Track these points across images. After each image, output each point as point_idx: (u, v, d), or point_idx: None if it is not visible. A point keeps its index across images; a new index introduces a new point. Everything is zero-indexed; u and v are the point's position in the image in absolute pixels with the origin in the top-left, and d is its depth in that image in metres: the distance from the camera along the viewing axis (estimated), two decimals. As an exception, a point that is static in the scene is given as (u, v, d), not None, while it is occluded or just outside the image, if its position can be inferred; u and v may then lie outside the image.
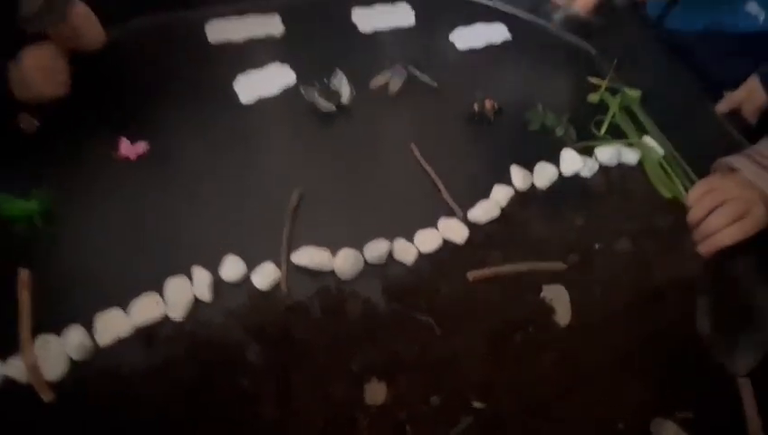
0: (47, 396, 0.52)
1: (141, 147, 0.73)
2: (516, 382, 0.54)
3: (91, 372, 0.54)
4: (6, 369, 0.53)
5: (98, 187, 0.69)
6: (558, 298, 0.60)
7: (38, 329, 0.55)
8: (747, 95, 0.73)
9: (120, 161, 0.72)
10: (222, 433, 0.51)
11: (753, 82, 0.73)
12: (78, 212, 0.66)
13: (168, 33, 0.91)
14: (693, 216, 0.59)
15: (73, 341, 0.55)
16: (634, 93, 0.82)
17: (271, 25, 0.94)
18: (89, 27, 0.78)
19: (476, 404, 0.52)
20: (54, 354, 0.54)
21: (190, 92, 0.82)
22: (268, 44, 0.91)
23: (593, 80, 0.86)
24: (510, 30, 0.95)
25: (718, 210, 0.57)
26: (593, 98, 0.83)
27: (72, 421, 0.51)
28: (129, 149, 0.73)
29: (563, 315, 0.59)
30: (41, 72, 0.71)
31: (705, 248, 0.57)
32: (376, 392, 0.53)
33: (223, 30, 0.93)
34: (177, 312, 0.58)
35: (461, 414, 0.52)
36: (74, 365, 0.54)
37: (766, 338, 0.54)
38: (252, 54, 0.89)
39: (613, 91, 0.83)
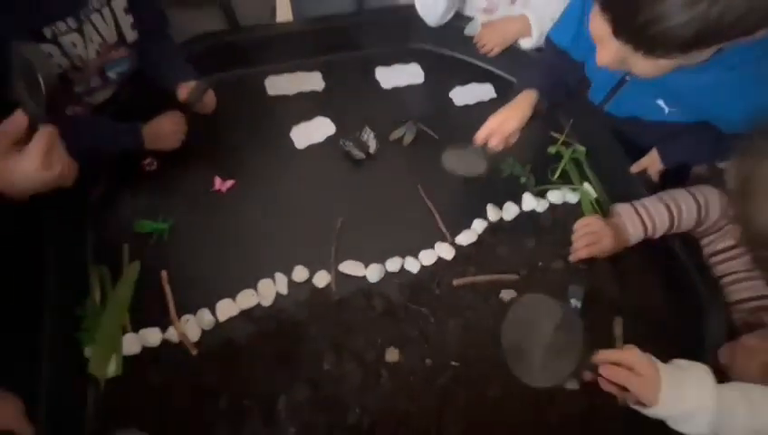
0: (193, 351, 0.85)
1: (229, 183, 1.05)
2: (482, 348, 0.86)
3: (218, 337, 0.87)
4: (166, 335, 0.86)
5: (202, 212, 1.01)
6: (509, 297, 0.92)
7: (180, 311, 0.88)
8: (651, 161, 1.03)
9: (216, 193, 1.04)
10: (299, 378, 0.83)
11: (654, 153, 1.03)
12: (191, 230, 0.98)
13: (235, 87, 1.21)
14: (576, 234, 0.94)
15: (203, 318, 0.88)
16: (581, 149, 1.13)
17: (314, 81, 1.24)
18: (210, 102, 1.08)
19: (454, 363, 0.85)
20: (192, 326, 0.87)
21: (259, 138, 1.12)
22: (313, 98, 1.22)
23: (554, 134, 1.16)
24: (496, 90, 1.25)
25: (580, 236, 0.93)
26: (551, 150, 1.14)
27: (208, 366, 0.84)
28: (221, 184, 1.05)
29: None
30: (172, 132, 1.02)
31: (571, 258, 0.94)
32: (392, 356, 0.85)
33: (278, 85, 1.23)
34: (266, 301, 0.90)
35: (444, 370, 0.85)
36: (205, 333, 0.87)
37: (561, 371, 0.70)
38: (301, 106, 1.19)
39: (567, 145, 1.14)
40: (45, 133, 0.62)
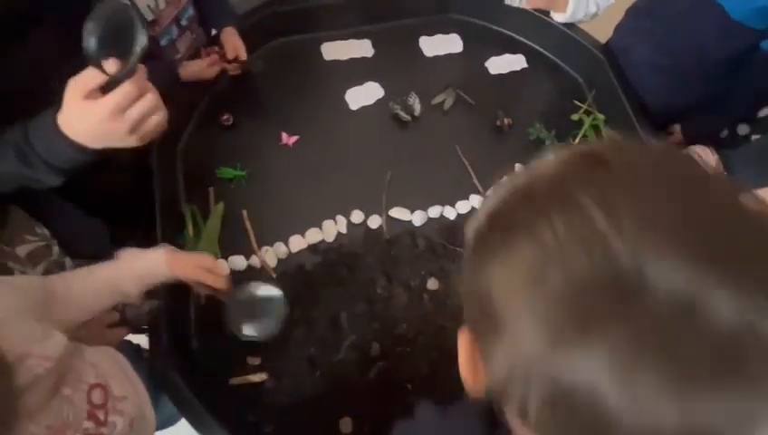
0: (272, 274, 1.05)
1: (294, 138, 1.23)
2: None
3: (291, 264, 1.07)
4: (250, 261, 1.06)
5: (273, 162, 1.19)
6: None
7: (260, 243, 1.08)
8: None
9: (283, 147, 1.22)
10: (356, 297, 1.04)
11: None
12: (265, 177, 1.17)
13: (295, 52, 1.37)
14: None
15: (279, 249, 1.08)
16: (600, 117, 1.28)
17: (364, 48, 1.40)
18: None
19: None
20: (270, 255, 1.07)
21: (318, 99, 1.29)
22: (363, 63, 1.37)
23: (577, 102, 1.31)
24: (527, 60, 1.39)
25: None
26: (574, 117, 1.29)
27: (284, 286, 1.04)
28: (287, 138, 1.23)
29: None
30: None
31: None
32: (433, 284, 1.05)
33: (333, 51, 1.39)
34: (329, 237, 1.10)
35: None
36: (280, 261, 1.07)
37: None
38: (353, 71, 1.35)
39: (588, 113, 1.29)
40: (123, 90, 0.62)
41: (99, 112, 0.62)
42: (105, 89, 0.62)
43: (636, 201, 0.29)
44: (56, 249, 0.91)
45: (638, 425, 0.27)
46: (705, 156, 1.07)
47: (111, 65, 0.60)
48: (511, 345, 0.31)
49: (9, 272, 0.77)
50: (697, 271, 0.27)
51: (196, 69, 1.18)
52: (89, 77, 0.61)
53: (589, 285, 0.28)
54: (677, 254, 0.27)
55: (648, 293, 0.27)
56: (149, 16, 1.11)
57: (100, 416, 0.64)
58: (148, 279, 0.79)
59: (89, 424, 0.62)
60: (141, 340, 1.01)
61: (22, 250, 0.83)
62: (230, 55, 1.21)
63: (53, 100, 0.65)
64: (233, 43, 1.21)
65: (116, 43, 0.60)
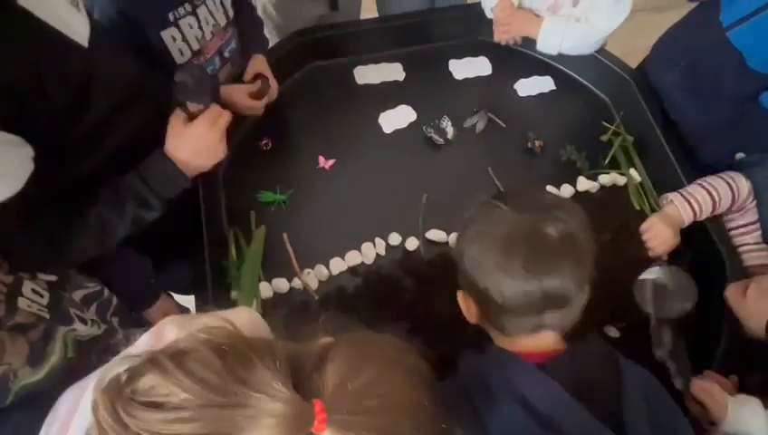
0: (315, 296, 1.09)
1: (331, 161, 1.27)
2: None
3: (332, 286, 1.10)
4: (293, 284, 1.10)
5: (311, 185, 1.23)
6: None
7: (301, 266, 1.12)
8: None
9: (321, 170, 1.26)
10: (397, 318, 1.07)
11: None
12: (304, 201, 1.21)
13: (330, 75, 1.42)
14: (644, 237, 1.12)
15: (320, 271, 1.11)
16: (629, 138, 1.30)
17: (396, 72, 1.44)
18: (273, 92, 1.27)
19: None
20: (312, 278, 1.11)
21: (352, 122, 1.33)
22: (395, 86, 1.41)
23: (606, 124, 1.34)
24: (555, 82, 1.42)
25: (650, 238, 1.11)
26: (604, 138, 1.32)
27: (325, 308, 1.08)
28: (324, 162, 1.27)
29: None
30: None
31: (651, 254, 1.11)
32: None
33: (365, 74, 1.43)
34: (368, 260, 1.13)
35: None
36: (321, 283, 1.11)
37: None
38: (385, 94, 1.39)
39: (616, 134, 1.32)
40: (214, 108, 0.92)
41: (199, 126, 0.90)
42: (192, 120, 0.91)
43: None
44: (106, 290, 0.96)
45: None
46: (739, 182, 1.10)
47: (195, 106, 0.91)
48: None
49: (68, 315, 0.82)
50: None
51: (232, 92, 1.20)
52: (183, 112, 0.91)
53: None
54: None
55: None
56: (196, 46, 1.15)
57: None
58: None
59: None
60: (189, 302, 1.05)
61: (77, 295, 0.88)
62: (247, 77, 1.23)
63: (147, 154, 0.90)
64: (257, 66, 1.24)
65: (196, 87, 0.90)
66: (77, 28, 0.80)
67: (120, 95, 0.89)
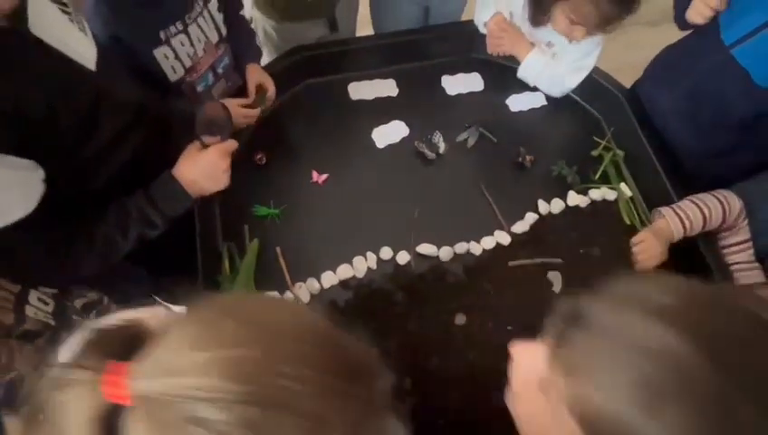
0: (306, 310, 1.10)
1: (324, 176, 1.28)
2: (533, 317, 1.09)
3: (323, 299, 1.11)
4: (285, 297, 1.11)
5: (305, 200, 1.25)
6: (555, 278, 1.14)
7: (293, 279, 1.13)
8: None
9: (314, 184, 1.27)
10: (388, 333, 1.07)
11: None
12: (297, 215, 1.22)
13: (324, 92, 1.44)
14: (634, 250, 1.13)
15: (312, 285, 1.12)
16: (620, 153, 1.32)
17: (389, 88, 1.46)
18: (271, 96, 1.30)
19: (509, 328, 1.08)
20: (303, 291, 1.12)
21: (346, 138, 1.35)
22: (388, 102, 1.43)
23: (597, 139, 1.35)
24: (547, 98, 1.44)
25: (640, 252, 1.12)
26: (594, 153, 1.33)
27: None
28: (317, 177, 1.28)
29: (557, 287, 1.13)
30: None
31: (637, 268, 1.12)
32: (461, 319, 1.09)
33: (359, 90, 1.45)
34: (360, 273, 1.14)
35: (501, 332, 1.08)
36: (313, 296, 1.12)
37: None
38: (379, 110, 1.41)
39: (607, 149, 1.33)
40: (229, 142, 1.03)
41: (212, 154, 1.00)
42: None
43: None
44: (106, 298, 0.98)
45: None
46: (731, 200, 1.10)
47: (211, 138, 1.01)
48: None
49: (72, 322, 0.84)
50: None
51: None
52: (198, 143, 1.01)
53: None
54: None
55: None
56: (188, 63, 1.18)
57: None
58: None
59: None
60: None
61: (78, 303, 0.90)
62: (251, 87, 1.26)
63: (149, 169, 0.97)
64: (254, 76, 1.27)
65: (216, 123, 1.02)
66: (84, 53, 0.84)
67: (125, 116, 0.93)
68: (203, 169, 0.99)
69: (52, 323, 0.80)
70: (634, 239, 1.14)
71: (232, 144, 1.04)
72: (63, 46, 0.79)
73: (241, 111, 1.21)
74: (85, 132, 0.85)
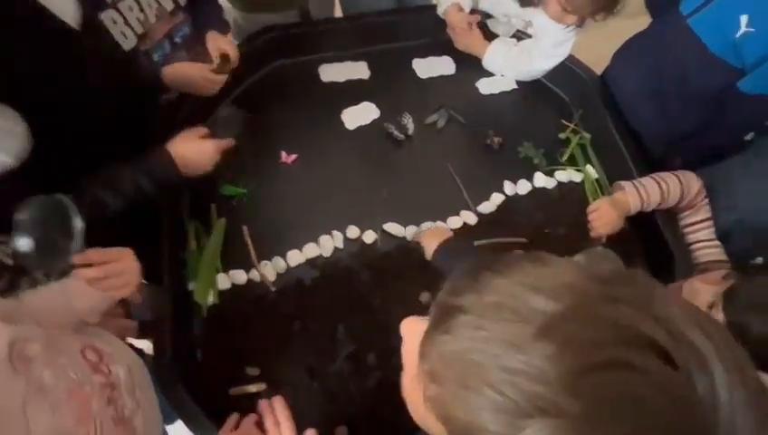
0: (271, 287, 1.10)
1: (293, 157, 1.28)
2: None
3: (290, 278, 1.11)
4: (250, 275, 1.10)
5: (273, 180, 1.24)
6: (520, 257, 1.15)
7: (259, 258, 1.13)
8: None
9: (283, 165, 1.27)
10: (354, 310, 1.08)
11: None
12: (265, 194, 1.22)
13: (295, 74, 1.43)
14: (590, 217, 1.15)
15: (278, 264, 1.12)
16: (587, 136, 1.33)
17: (361, 71, 1.45)
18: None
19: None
20: (269, 270, 1.12)
21: (316, 119, 1.34)
22: (360, 85, 1.43)
23: (565, 122, 1.37)
24: (517, 82, 1.45)
25: (595, 219, 1.14)
26: (561, 136, 1.35)
27: (282, 299, 1.08)
28: (286, 157, 1.28)
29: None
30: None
31: (592, 234, 1.14)
32: (426, 297, 1.10)
33: (330, 73, 1.44)
34: (326, 252, 1.14)
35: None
36: (279, 275, 1.12)
37: None
38: (350, 92, 1.41)
39: (574, 132, 1.35)
40: (228, 141, 1.10)
41: (209, 144, 1.07)
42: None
43: None
44: None
45: None
46: (690, 179, 1.12)
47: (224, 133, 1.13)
48: None
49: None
50: None
51: (185, 67, 1.19)
52: (194, 132, 1.08)
53: None
54: None
55: None
56: (140, 30, 1.14)
57: (103, 368, 0.73)
58: (80, 301, 0.81)
59: (97, 378, 0.70)
60: (144, 345, 1.05)
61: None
62: (213, 54, 1.21)
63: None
64: (216, 42, 1.22)
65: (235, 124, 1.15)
66: (68, 11, 0.87)
67: (111, 73, 0.99)
68: (196, 153, 1.05)
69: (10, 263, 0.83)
70: (590, 207, 1.16)
71: (230, 143, 1.11)
72: (48, 2, 0.83)
73: (204, 74, 1.19)
74: (68, 90, 0.87)
